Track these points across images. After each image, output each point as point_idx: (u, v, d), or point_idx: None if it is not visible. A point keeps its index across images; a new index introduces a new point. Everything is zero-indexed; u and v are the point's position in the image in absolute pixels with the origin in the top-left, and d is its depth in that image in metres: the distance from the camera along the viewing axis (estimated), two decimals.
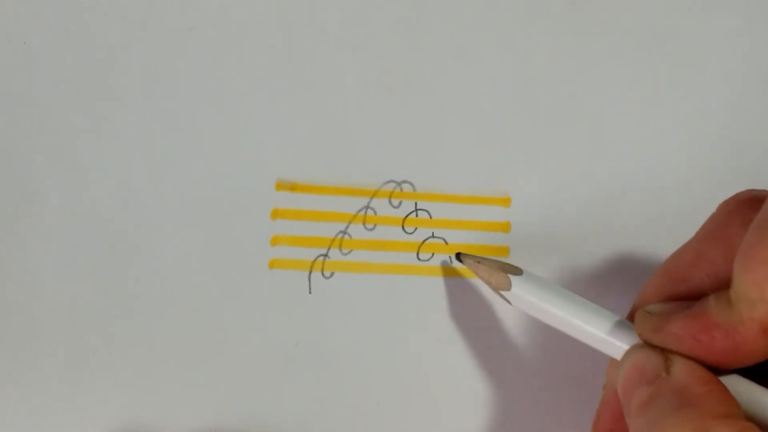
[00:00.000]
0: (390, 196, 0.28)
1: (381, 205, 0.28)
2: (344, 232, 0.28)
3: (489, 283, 0.25)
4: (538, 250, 0.29)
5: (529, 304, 0.24)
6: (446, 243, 0.29)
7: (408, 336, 0.28)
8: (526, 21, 0.29)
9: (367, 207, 0.28)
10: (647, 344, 0.21)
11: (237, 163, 0.28)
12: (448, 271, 0.28)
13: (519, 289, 0.24)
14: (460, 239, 0.29)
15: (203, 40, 0.28)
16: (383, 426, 0.28)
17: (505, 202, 0.29)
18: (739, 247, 0.19)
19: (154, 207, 0.28)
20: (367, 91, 0.28)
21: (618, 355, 0.22)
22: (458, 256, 0.27)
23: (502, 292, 0.25)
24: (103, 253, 0.27)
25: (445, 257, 0.28)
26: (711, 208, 0.23)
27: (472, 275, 0.28)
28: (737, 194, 0.22)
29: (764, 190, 0.20)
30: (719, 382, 0.19)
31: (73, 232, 0.27)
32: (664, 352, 0.20)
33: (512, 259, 0.28)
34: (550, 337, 0.28)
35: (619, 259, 0.29)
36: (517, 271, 0.25)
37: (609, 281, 0.29)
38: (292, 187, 0.28)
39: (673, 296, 0.22)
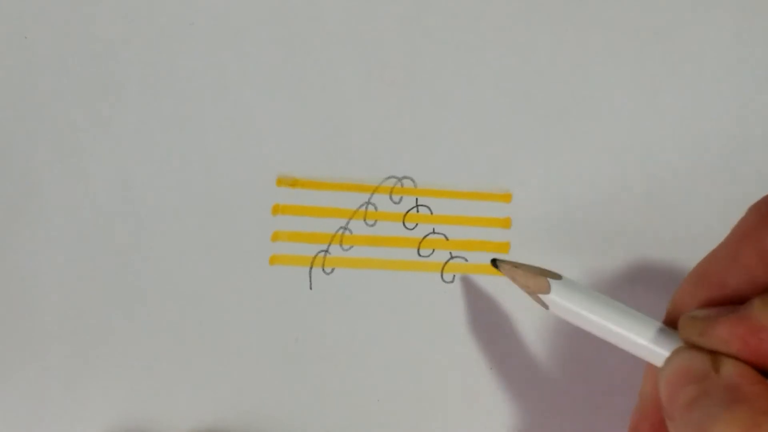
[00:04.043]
0: (391, 191, 0.28)
1: (382, 200, 0.28)
2: (345, 228, 0.28)
3: (526, 287, 0.25)
4: (539, 246, 0.29)
5: (567, 309, 0.24)
6: (447, 239, 0.28)
7: (408, 332, 0.28)
8: (527, 17, 0.29)
9: (367, 203, 0.28)
10: (693, 347, 0.21)
11: (238, 159, 0.28)
12: (448, 267, 0.28)
13: (558, 294, 0.24)
14: (460, 235, 0.29)
15: (204, 35, 0.28)
16: (383, 423, 0.28)
17: (506, 197, 0.29)
18: None
19: (155, 203, 0.28)
20: (368, 86, 0.28)
21: (658, 361, 0.21)
22: (494, 261, 0.27)
23: (541, 296, 0.24)
24: (103, 250, 0.27)
25: (446, 253, 0.28)
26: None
27: (473, 272, 0.28)
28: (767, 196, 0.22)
29: None
30: None
31: (72, 229, 0.27)
32: (712, 353, 0.20)
33: (513, 255, 0.28)
34: (550, 334, 0.28)
35: (619, 255, 0.29)
36: (556, 276, 0.24)
37: (609, 276, 0.29)
38: (293, 183, 0.28)
39: (710, 301, 0.22)
